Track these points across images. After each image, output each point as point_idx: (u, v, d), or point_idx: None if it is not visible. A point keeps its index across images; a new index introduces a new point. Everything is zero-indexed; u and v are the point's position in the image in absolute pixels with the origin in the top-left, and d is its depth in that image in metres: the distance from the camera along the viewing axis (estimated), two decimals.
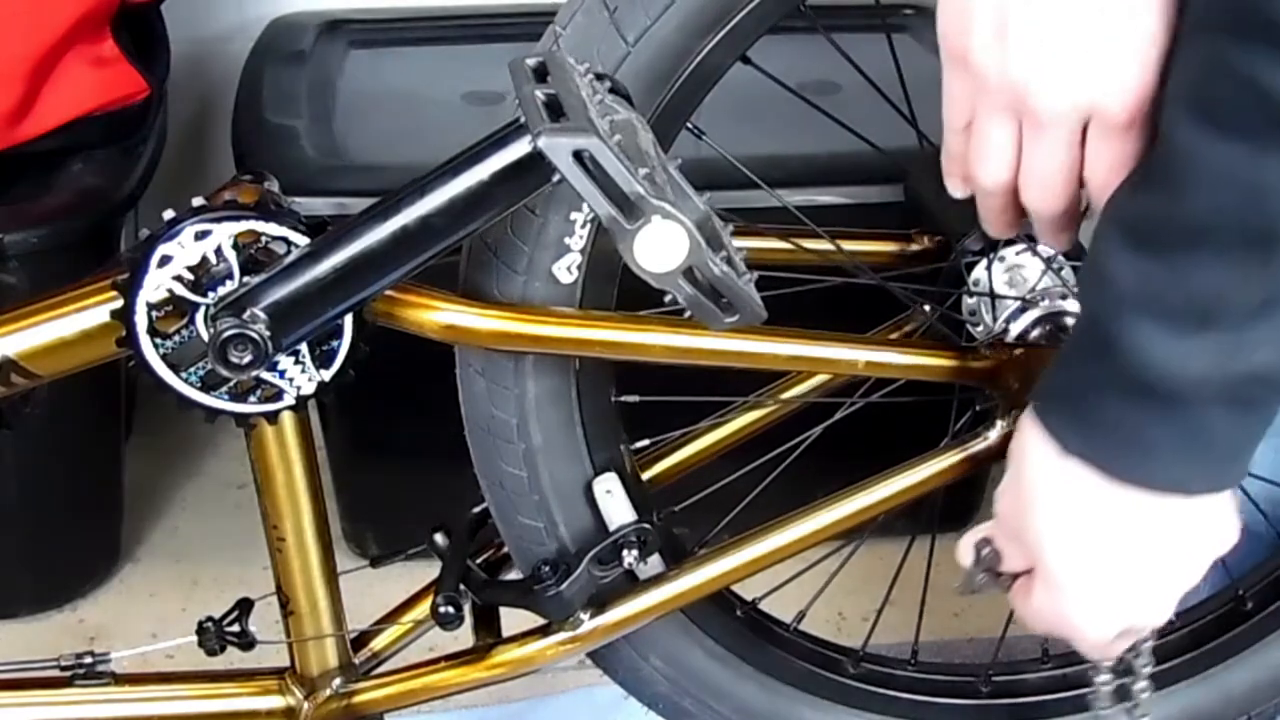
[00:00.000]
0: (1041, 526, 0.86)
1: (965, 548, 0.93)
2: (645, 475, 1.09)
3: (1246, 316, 0.74)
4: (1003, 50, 0.78)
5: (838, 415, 1.09)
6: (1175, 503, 0.81)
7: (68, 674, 1.03)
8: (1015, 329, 1.01)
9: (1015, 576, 0.92)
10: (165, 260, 0.89)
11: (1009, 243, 1.03)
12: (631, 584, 1.02)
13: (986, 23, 0.78)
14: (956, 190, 0.87)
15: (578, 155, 0.79)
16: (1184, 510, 0.82)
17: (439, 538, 1.07)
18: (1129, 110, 0.77)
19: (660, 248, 0.79)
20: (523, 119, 0.82)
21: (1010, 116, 0.80)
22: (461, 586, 1.03)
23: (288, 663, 1.05)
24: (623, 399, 1.02)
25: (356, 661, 1.07)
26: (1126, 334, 0.75)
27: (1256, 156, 0.70)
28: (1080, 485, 0.82)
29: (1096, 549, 0.84)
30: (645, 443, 1.08)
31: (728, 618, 1.10)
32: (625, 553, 1.00)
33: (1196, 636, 1.13)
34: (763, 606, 1.12)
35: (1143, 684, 1.02)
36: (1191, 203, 0.72)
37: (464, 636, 1.05)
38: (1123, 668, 1.02)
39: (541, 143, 0.79)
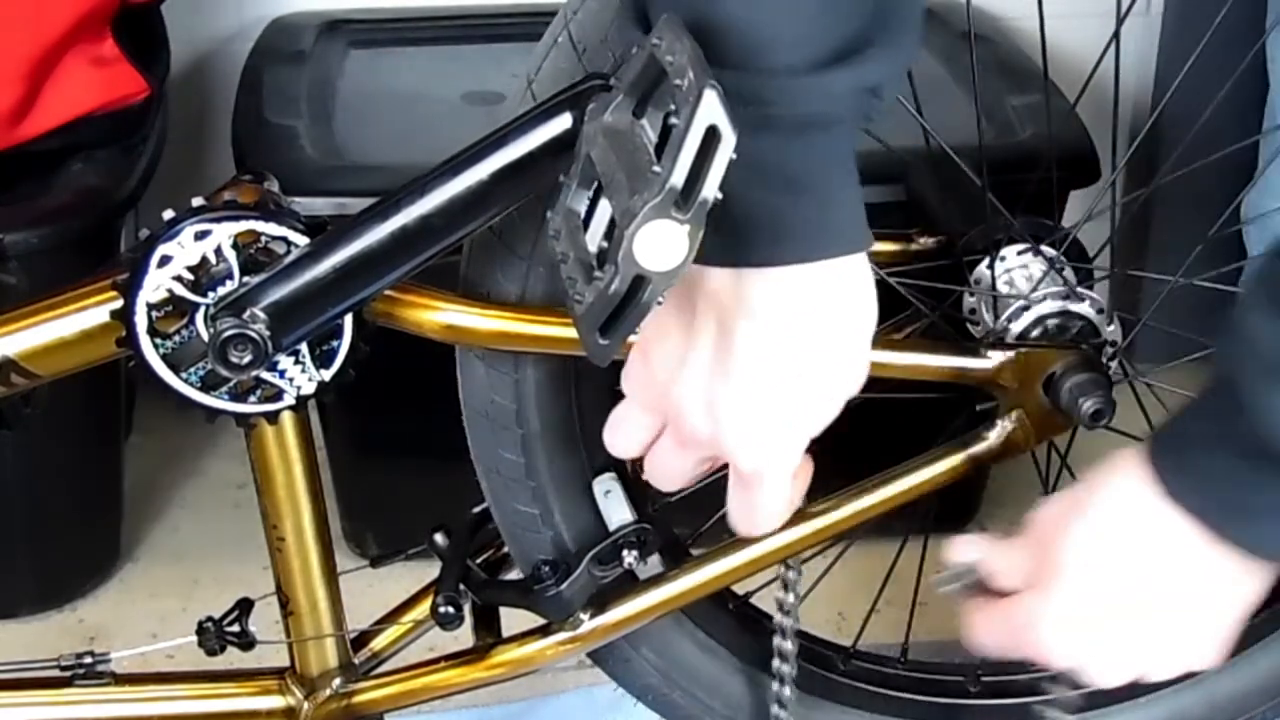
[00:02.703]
0: (1102, 557, 0.83)
1: (961, 549, 0.92)
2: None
3: None
4: (675, 364, 0.81)
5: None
6: (1254, 568, 0.80)
7: (68, 674, 1.03)
8: (1016, 328, 1.01)
9: (987, 592, 0.89)
10: (165, 260, 0.89)
11: (1010, 242, 1.03)
12: (631, 584, 1.02)
13: (673, 333, 0.81)
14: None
15: (712, 129, 0.73)
16: (1255, 576, 0.81)
17: (439, 538, 1.07)
18: (758, 467, 0.82)
19: (668, 248, 0.78)
20: (618, 84, 0.80)
21: (659, 418, 0.85)
22: (461, 586, 1.03)
23: (288, 663, 1.05)
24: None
25: (356, 661, 1.07)
26: (1262, 397, 0.74)
27: None
28: (1168, 531, 0.80)
29: (1153, 595, 0.82)
30: None
31: (719, 611, 1.10)
32: (625, 553, 1.01)
33: None
34: (755, 603, 1.13)
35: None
36: None
37: (464, 636, 1.05)
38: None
39: (709, 94, 0.72)
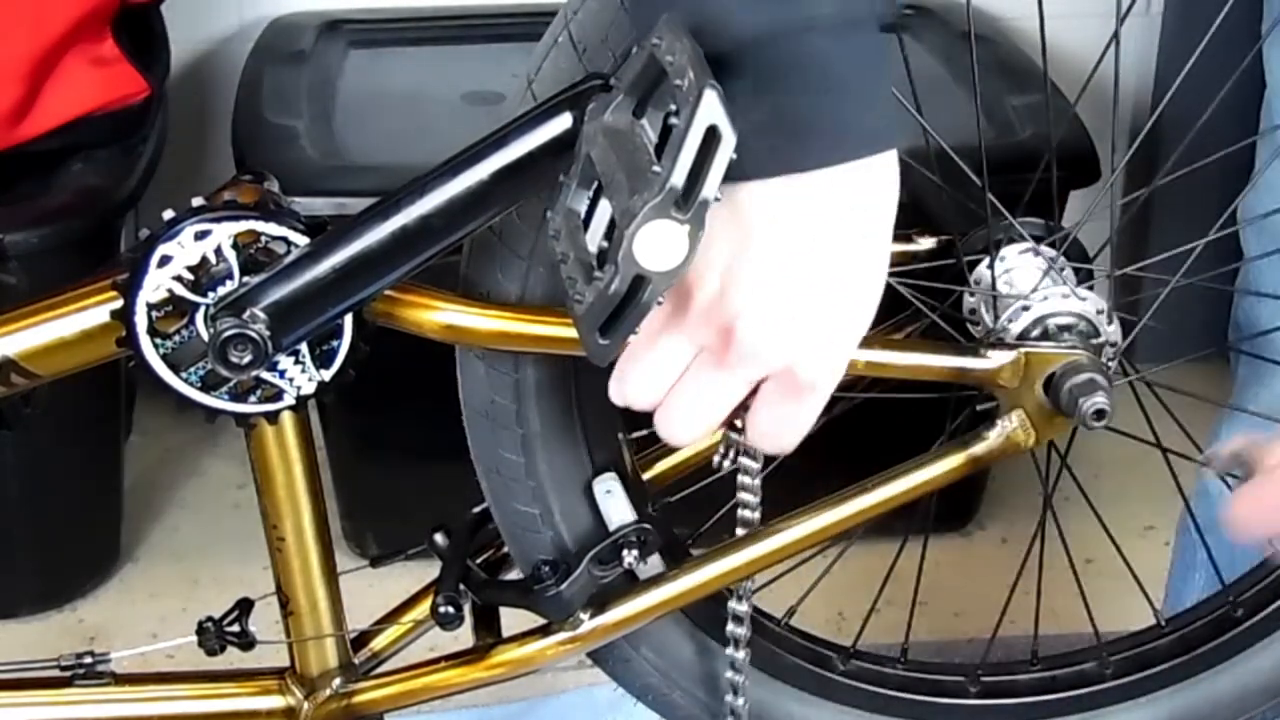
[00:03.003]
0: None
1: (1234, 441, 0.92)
2: (646, 475, 1.09)
3: None
4: (727, 282, 0.78)
5: (835, 411, 1.09)
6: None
7: (68, 674, 1.02)
8: (1016, 329, 1.01)
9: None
10: (165, 260, 0.89)
11: (1010, 242, 1.03)
12: (631, 584, 1.02)
13: (722, 252, 0.78)
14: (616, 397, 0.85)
15: (712, 130, 0.74)
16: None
17: (439, 538, 1.07)
18: (820, 377, 0.81)
19: (668, 248, 0.78)
20: (619, 83, 0.80)
21: (694, 346, 0.81)
22: (461, 586, 1.03)
23: (288, 663, 1.05)
24: None
25: (356, 661, 1.07)
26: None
27: None
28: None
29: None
30: (644, 433, 1.08)
31: (719, 611, 1.10)
32: (625, 553, 1.01)
33: (1186, 642, 1.13)
34: (755, 601, 1.13)
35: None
36: None
37: (464, 636, 1.05)
38: None
39: (709, 94, 0.73)
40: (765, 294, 0.78)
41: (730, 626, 1.03)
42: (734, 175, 0.75)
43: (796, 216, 0.77)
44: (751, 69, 0.74)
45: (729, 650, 1.03)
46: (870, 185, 0.78)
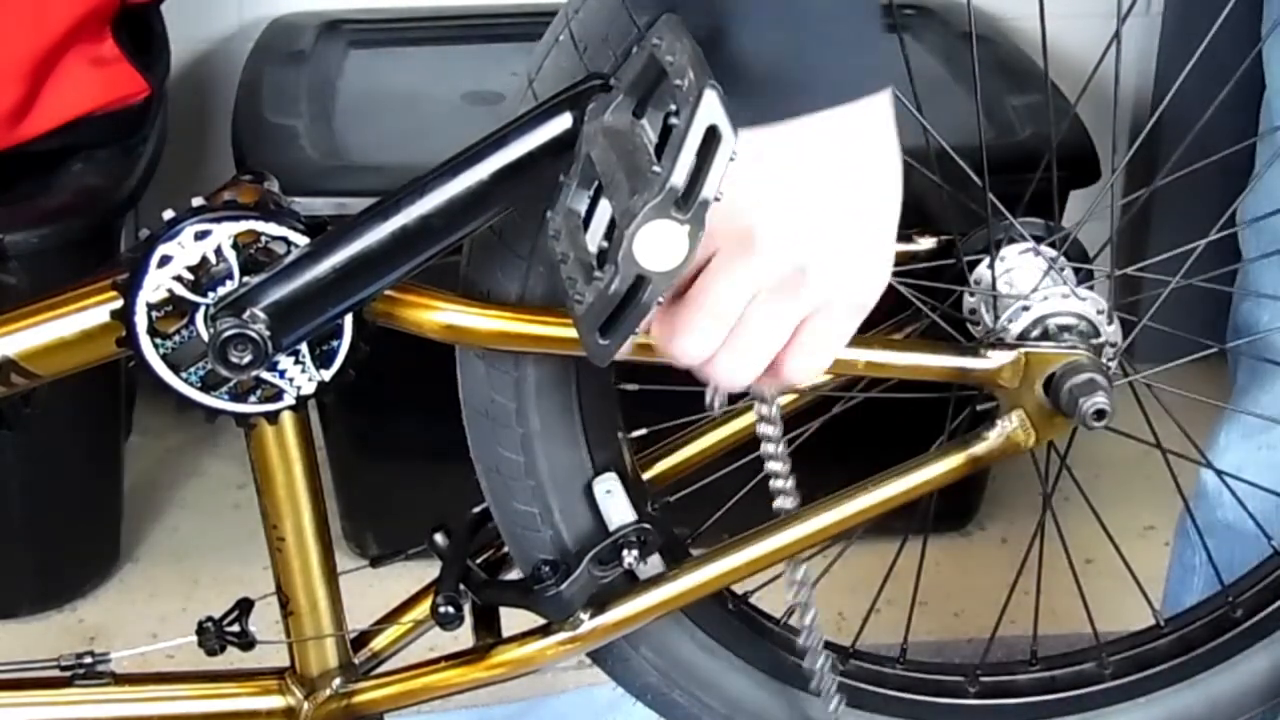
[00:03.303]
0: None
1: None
2: (646, 475, 1.09)
3: None
4: (793, 219, 0.80)
5: (835, 410, 1.09)
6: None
7: (68, 674, 1.02)
8: (1016, 329, 1.01)
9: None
10: (165, 260, 0.89)
11: (1011, 242, 1.03)
12: (631, 584, 1.02)
13: (781, 189, 0.80)
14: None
15: (712, 129, 0.74)
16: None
17: (439, 538, 1.07)
18: (873, 294, 0.84)
19: (668, 248, 0.78)
20: (618, 83, 0.81)
21: (754, 286, 0.81)
22: (461, 586, 1.03)
23: (288, 663, 1.05)
24: (623, 386, 1.02)
25: (356, 661, 1.07)
26: None
27: None
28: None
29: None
30: (644, 431, 1.08)
31: (719, 610, 1.10)
32: (625, 553, 1.00)
33: (1185, 642, 1.13)
34: (755, 602, 1.13)
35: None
36: None
37: (464, 636, 1.05)
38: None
39: (709, 94, 0.73)
40: (828, 225, 0.81)
41: (761, 427, 1.00)
42: (790, 111, 0.78)
43: (836, 152, 0.80)
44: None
45: (766, 446, 1.00)
46: (880, 119, 0.80)
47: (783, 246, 0.80)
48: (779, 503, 1.00)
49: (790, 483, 1.00)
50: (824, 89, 0.78)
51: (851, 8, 0.78)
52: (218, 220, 0.89)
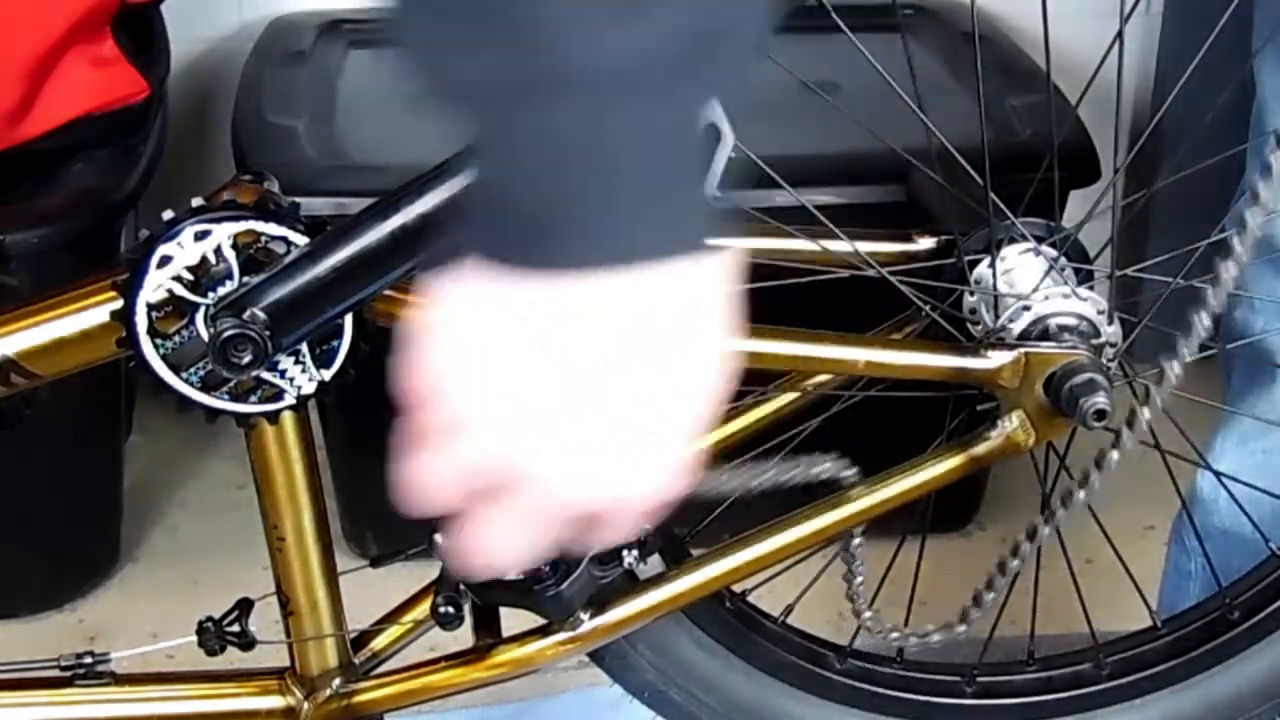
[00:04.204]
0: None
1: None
2: None
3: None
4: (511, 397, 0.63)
5: (835, 409, 1.09)
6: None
7: (68, 674, 1.02)
8: (1016, 329, 1.01)
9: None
10: (165, 260, 0.89)
11: (1011, 242, 1.03)
12: (631, 584, 1.02)
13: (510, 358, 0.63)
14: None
15: (710, 127, 0.68)
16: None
17: (439, 538, 1.07)
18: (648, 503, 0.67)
19: None
20: None
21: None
22: (461, 586, 1.03)
23: (288, 663, 1.05)
24: None
25: (356, 661, 1.07)
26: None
27: None
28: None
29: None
30: None
31: (717, 609, 1.10)
32: (625, 553, 1.00)
33: (1182, 644, 1.13)
34: (753, 601, 1.13)
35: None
36: None
37: (464, 636, 1.05)
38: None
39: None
40: (565, 427, 0.63)
41: None
42: (553, 260, 0.61)
43: (604, 324, 0.62)
44: (481, 134, 0.61)
45: None
46: (669, 292, 0.62)
47: (494, 435, 0.64)
48: None
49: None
50: (605, 241, 0.60)
51: (662, 148, 0.60)
52: (218, 220, 0.89)
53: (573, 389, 0.63)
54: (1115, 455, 0.97)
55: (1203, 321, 0.96)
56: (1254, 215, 0.95)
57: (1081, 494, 0.98)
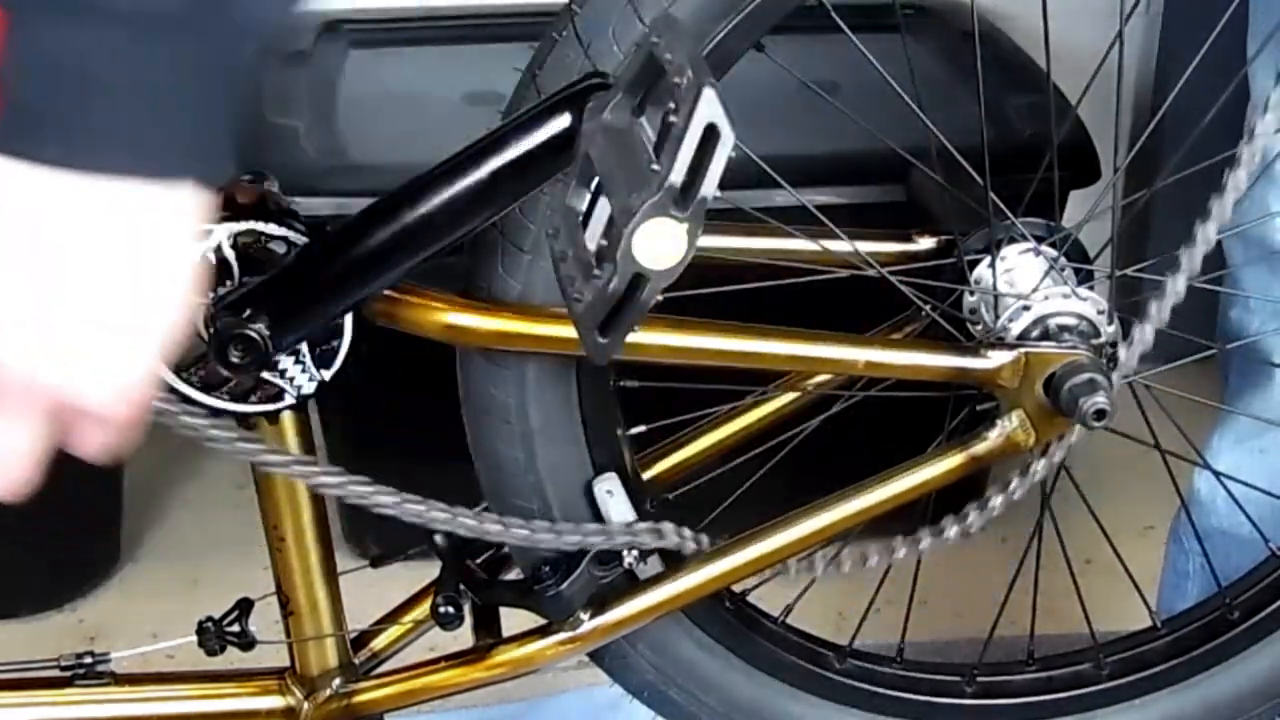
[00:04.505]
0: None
1: None
2: (646, 475, 1.09)
3: None
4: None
5: (834, 409, 1.09)
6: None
7: (68, 674, 1.03)
8: (1016, 328, 1.01)
9: None
10: None
11: (1011, 242, 1.03)
12: (631, 584, 1.02)
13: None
14: None
15: (711, 128, 0.73)
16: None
17: (439, 538, 1.07)
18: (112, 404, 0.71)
19: (666, 246, 0.78)
20: (617, 82, 0.80)
21: None
22: (461, 586, 1.03)
23: (288, 663, 1.05)
24: (624, 383, 1.02)
25: (356, 661, 1.07)
26: None
27: None
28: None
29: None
30: (643, 428, 1.08)
31: (717, 609, 1.10)
32: (625, 553, 1.00)
33: (1182, 644, 1.14)
34: (753, 600, 1.13)
35: None
36: None
37: (464, 636, 1.05)
38: None
39: (708, 92, 0.72)
40: (21, 310, 0.68)
41: None
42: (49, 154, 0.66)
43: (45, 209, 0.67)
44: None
45: None
46: (132, 206, 0.67)
47: None
48: None
49: None
50: (79, 145, 0.66)
51: (153, 83, 0.66)
52: (218, 220, 0.89)
53: (20, 268, 0.68)
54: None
55: (1205, 234, 0.96)
56: (1263, 124, 0.95)
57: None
